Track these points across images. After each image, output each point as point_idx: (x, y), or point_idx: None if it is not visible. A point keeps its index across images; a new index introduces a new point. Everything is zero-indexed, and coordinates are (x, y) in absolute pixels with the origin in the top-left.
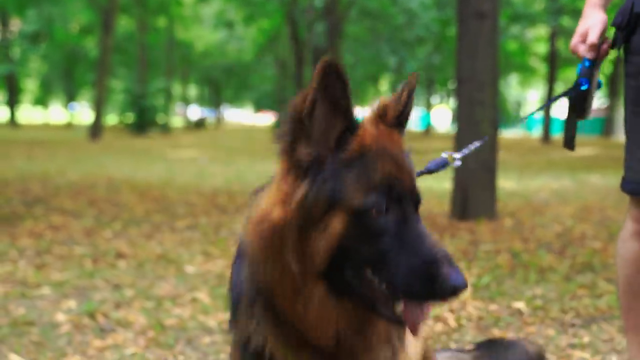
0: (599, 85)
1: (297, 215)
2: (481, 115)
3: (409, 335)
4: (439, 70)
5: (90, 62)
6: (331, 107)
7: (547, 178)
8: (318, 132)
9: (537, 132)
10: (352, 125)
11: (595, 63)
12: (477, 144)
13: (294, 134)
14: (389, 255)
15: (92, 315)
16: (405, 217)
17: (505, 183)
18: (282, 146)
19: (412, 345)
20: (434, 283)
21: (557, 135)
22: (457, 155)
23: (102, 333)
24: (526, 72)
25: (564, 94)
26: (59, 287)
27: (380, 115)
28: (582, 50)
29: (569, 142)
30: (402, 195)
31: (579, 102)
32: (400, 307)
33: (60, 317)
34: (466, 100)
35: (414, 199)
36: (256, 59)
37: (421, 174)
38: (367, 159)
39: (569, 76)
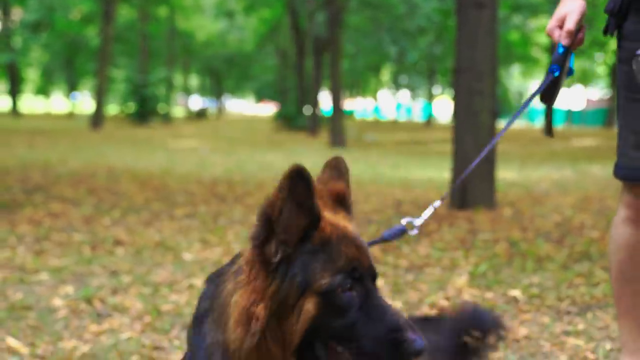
0: (570, 72)
1: (274, 307)
2: (480, 105)
3: None
4: (440, 60)
5: (91, 52)
6: (297, 207)
7: (548, 169)
8: (284, 231)
9: (539, 123)
10: (315, 220)
11: (569, 50)
12: (437, 204)
13: (264, 235)
14: (357, 327)
15: (89, 301)
16: (367, 292)
17: (506, 174)
18: (254, 247)
19: None
20: (399, 348)
21: (559, 126)
22: (417, 223)
23: (98, 318)
24: (528, 62)
25: (543, 85)
26: (57, 273)
27: (340, 202)
28: (558, 35)
29: (549, 130)
30: (363, 274)
31: (548, 89)
32: None
33: (58, 302)
34: (465, 90)
35: (372, 275)
36: (257, 49)
37: (375, 242)
38: (331, 247)
39: None
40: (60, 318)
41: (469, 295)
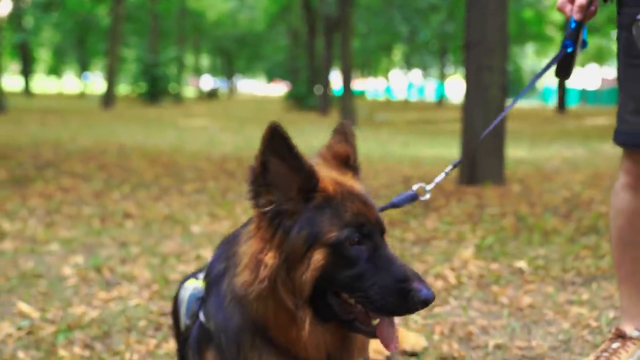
0: (584, 45)
1: (283, 257)
2: (490, 81)
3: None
4: (452, 38)
5: (102, 31)
6: (282, 162)
7: (559, 147)
8: (280, 188)
9: (553, 103)
10: (310, 179)
11: (581, 24)
12: (447, 170)
13: (255, 190)
14: (365, 277)
15: (98, 270)
16: (375, 245)
17: (517, 152)
18: (251, 200)
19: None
20: (406, 297)
21: (573, 106)
22: (428, 187)
23: (107, 286)
24: (542, 41)
25: (554, 61)
26: (67, 243)
27: (346, 163)
28: (569, 10)
29: (560, 104)
30: (371, 229)
31: (563, 64)
32: (374, 323)
33: (68, 270)
34: (475, 66)
35: (381, 229)
36: (268, 29)
37: (385, 208)
38: (336, 203)
39: None
40: (70, 286)
41: (475, 266)
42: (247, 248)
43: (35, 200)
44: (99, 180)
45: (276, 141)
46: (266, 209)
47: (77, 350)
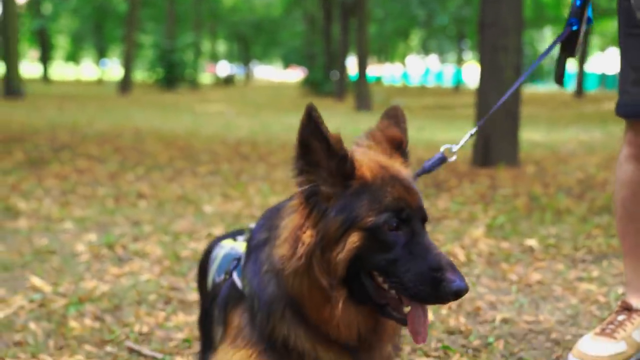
0: (589, 21)
1: (319, 237)
2: (504, 61)
3: None
4: (469, 23)
5: (119, 17)
6: (321, 147)
7: (576, 130)
8: (321, 169)
9: (572, 88)
10: (344, 164)
11: (586, 2)
12: (473, 131)
13: (298, 169)
14: (399, 264)
15: (111, 247)
16: (413, 232)
17: (533, 135)
18: (295, 180)
19: None
20: (438, 287)
21: (592, 90)
22: (455, 148)
23: (119, 262)
24: (560, 24)
25: (559, 39)
26: (81, 222)
27: (397, 147)
28: None
29: (559, 79)
30: (411, 215)
31: (569, 42)
32: (406, 311)
33: (81, 247)
34: (489, 46)
35: (422, 216)
36: (284, 14)
37: (419, 174)
38: (375, 188)
39: (604, 29)
40: (82, 262)
41: (485, 245)
42: (289, 222)
43: (50, 181)
44: (114, 162)
45: (312, 123)
46: (303, 187)
47: (87, 322)
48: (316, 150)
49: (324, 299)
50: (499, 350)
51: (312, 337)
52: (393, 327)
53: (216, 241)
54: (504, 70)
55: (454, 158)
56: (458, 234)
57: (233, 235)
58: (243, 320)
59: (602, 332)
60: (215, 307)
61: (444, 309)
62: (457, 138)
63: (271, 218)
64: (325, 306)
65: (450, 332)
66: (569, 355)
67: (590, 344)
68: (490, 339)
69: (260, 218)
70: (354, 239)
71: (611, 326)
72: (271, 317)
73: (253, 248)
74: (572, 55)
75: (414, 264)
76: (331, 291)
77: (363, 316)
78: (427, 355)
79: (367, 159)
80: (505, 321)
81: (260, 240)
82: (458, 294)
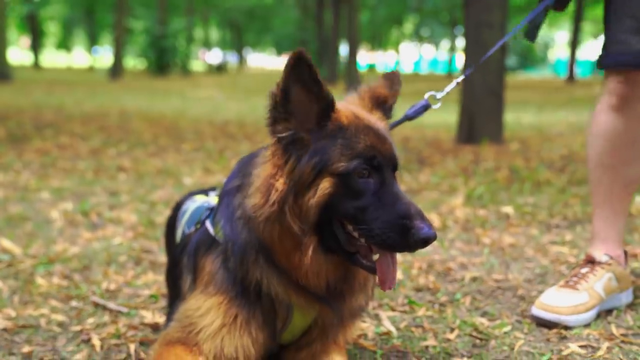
0: None
1: (292, 183)
2: (489, 38)
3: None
4: (462, 8)
5: (110, 3)
6: (305, 92)
7: (566, 113)
8: (298, 115)
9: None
10: (327, 106)
11: None
12: (459, 80)
13: (274, 116)
14: (369, 211)
15: (85, 214)
16: (384, 180)
17: (522, 117)
18: (268, 126)
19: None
20: (407, 234)
21: (586, 77)
22: (439, 95)
23: (93, 228)
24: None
25: (540, 8)
26: (58, 192)
27: (363, 98)
28: None
29: (532, 32)
30: (382, 163)
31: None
32: (374, 259)
33: (55, 214)
34: (473, 23)
35: (393, 165)
36: (277, 1)
37: (399, 122)
38: (349, 134)
39: (597, 14)
40: (56, 228)
41: (462, 212)
42: (261, 171)
43: (30, 155)
44: (97, 139)
45: (301, 68)
46: (282, 135)
47: (55, 280)
48: (299, 96)
49: (294, 246)
50: (465, 306)
51: (284, 283)
52: (364, 277)
53: (187, 196)
54: (488, 45)
55: (437, 105)
56: (436, 204)
57: (205, 191)
58: (215, 265)
59: (566, 285)
60: (184, 256)
61: (414, 269)
62: (444, 119)
63: (245, 165)
64: (295, 253)
65: (419, 290)
66: (532, 308)
67: (553, 295)
68: (458, 296)
69: (235, 166)
70: (325, 185)
71: (574, 278)
72: (245, 261)
73: (225, 194)
74: (561, 9)
75: (383, 212)
76: (302, 237)
77: (333, 265)
78: (394, 310)
79: (345, 108)
80: (474, 279)
81: (233, 187)
82: (426, 241)
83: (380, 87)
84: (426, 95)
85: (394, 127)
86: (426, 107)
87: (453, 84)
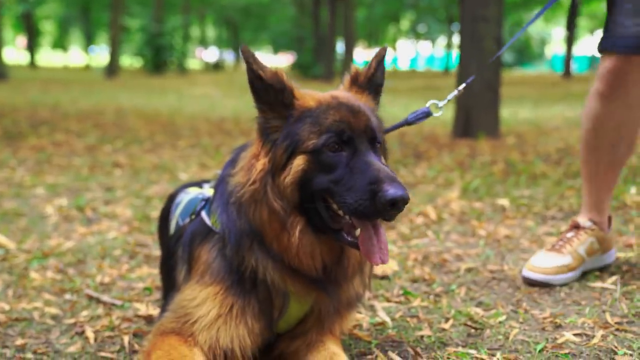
0: None
1: (270, 164)
2: (484, 32)
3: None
4: (459, 5)
5: (106, 1)
6: (259, 80)
7: (563, 108)
8: (270, 105)
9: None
10: (286, 94)
11: None
12: (460, 88)
13: (257, 108)
14: (342, 183)
15: (80, 209)
16: (356, 151)
17: (519, 112)
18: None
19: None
20: (374, 199)
21: (582, 72)
22: (441, 104)
23: (88, 223)
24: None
25: (546, 7)
26: (53, 188)
27: (353, 80)
28: None
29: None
30: (353, 135)
31: None
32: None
33: (50, 210)
34: (469, 16)
35: (370, 136)
36: None
37: (399, 125)
38: (316, 113)
39: (594, 9)
40: (50, 223)
41: (457, 205)
42: (247, 153)
43: (26, 152)
44: (93, 136)
45: (247, 64)
46: (258, 122)
47: (49, 274)
48: (260, 88)
49: (282, 227)
50: (460, 296)
51: (280, 268)
52: (358, 261)
53: (181, 188)
54: (484, 40)
55: (439, 113)
56: (432, 197)
57: (199, 183)
58: (211, 254)
59: (552, 248)
60: (178, 247)
61: (409, 260)
62: (442, 116)
63: (239, 154)
64: (283, 234)
65: (414, 281)
66: (522, 270)
67: (540, 258)
68: (453, 286)
69: (231, 154)
70: (298, 162)
71: (560, 242)
72: (240, 248)
73: (220, 181)
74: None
75: (355, 181)
76: (286, 217)
77: (326, 246)
78: (389, 301)
79: (309, 92)
80: (469, 270)
81: (226, 174)
82: (393, 202)
83: (360, 68)
84: (428, 103)
85: (393, 129)
86: (427, 114)
87: (455, 93)
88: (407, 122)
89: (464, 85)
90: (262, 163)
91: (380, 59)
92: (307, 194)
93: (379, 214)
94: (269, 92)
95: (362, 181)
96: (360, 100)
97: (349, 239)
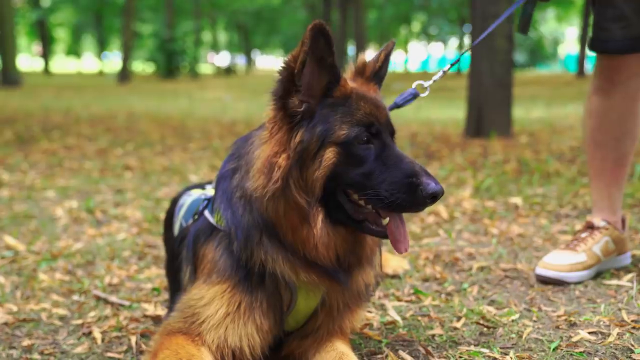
0: None
1: (296, 157)
2: (495, 30)
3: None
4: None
5: (119, 7)
6: (318, 63)
7: (576, 107)
8: (307, 86)
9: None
10: (336, 77)
11: None
12: (445, 69)
13: (287, 89)
14: (374, 176)
15: (90, 211)
16: (384, 145)
17: (532, 112)
18: (276, 101)
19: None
20: (414, 192)
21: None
22: (427, 84)
23: (98, 224)
24: (563, 5)
25: None
26: (64, 190)
27: (359, 71)
28: None
29: (524, 26)
30: (380, 129)
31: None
32: (384, 223)
33: (60, 212)
34: (480, 14)
35: (390, 130)
36: (284, 2)
37: (390, 109)
38: (350, 103)
39: None
40: (60, 225)
41: (469, 204)
42: (261, 152)
43: (37, 156)
44: (105, 140)
45: (321, 39)
46: (299, 109)
47: (58, 275)
48: (312, 66)
49: (301, 219)
50: (472, 295)
51: (291, 260)
52: (371, 249)
53: (184, 190)
54: (495, 38)
55: (426, 93)
56: (444, 196)
57: (201, 185)
58: (217, 252)
59: (567, 247)
60: (183, 248)
61: (420, 259)
62: (453, 115)
63: (239, 148)
64: (303, 226)
65: (425, 280)
66: (536, 268)
67: (554, 256)
68: (465, 285)
69: (230, 149)
70: (329, 155)
71: (575, 242)
72: (249, 242)
73: (221, 178)
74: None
75: (389, 174)
76: (309, 210)
77: (342, 237)
78: (399, 300)
79: (348, 77)
80: (481, 269)
81: (228, 169)
82: (435, 196)
83: (372, 60)
84: (414, 84)
85: None
86: (414, 95)
87: (440, 73)
88: (396, 105)
89: (448, 66)
90: (284, 158)
91: (388, 52)
92: (332, 187)
93: (418, 206)
94: (319, 73)
95: (398, 174)
96: (372, 91)
97: (376, 228)
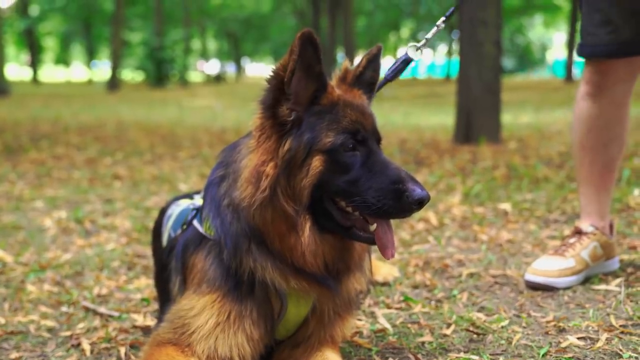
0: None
1: (284, 165)
2: (484, 36)
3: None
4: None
5: (107, 16)
6: (306, 72)
7: (565, 112)
8: (295, 94)
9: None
10: (323, 85)
11: None
12: (439, 23)
13: (276, 98)
14: (360, 182)
15: (79, 221)
16: (370, 151)
17: (520, 117)
18: (264, 110)
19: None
20: (400, 198)
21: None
22: (419, 45)
23: (86, 235)
24: (550, 11)
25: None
26: (52, 201)
27: (342, 78)
28: None
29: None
30: (366, 136)
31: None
32: (372, 229)
33: (49, 222)
34: (468, 20)
35: (376, 137)
36: (274, 10)
37: (381, 85)
38: (336, 110)
39: None
40: (49, 236)
41: (459, 210)
42: (248, 161)
43: (26, 166)
44: (93, 149)
45: (308, 49)
46: (288, 118)
47: (46, 286)
48: (300, 75)
49: (289, 228)
50: (462, 301)
51: (280, 268)
52: (359, 255)
53: (172, 201)
54: (483, 44)
55: (419, 56)
56: (433, 203)
57: (189, 195)
58: (207, 262)
59: (555, 252)
60: (172, 259)
61: (410, 266)
62: (442, 122)
63: (227, 156)
64: (290, 234)
65: (415, 287)
66: (525, 274)
67: (543, 262)
68: (455, 292)
69: (217, 157)
70: (316, 164)
71: (563, 247)
72: (238, 251)
73: (209, 185)
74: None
75: (375, 181)
76: (297, 218)
77: (329, 244)
78: (389, 307)
79: (333, 86)
80: (471, 275)
81: (216, 177)
82: (421, 202)
83: (349, 66)
84: (407, 47)
85: (378, 89)
86: (406, 62)
87: (434, 30)
88: (387, 80)
89: (444, 18)
90: (272, 167)
91: (371, 57)
92: (319, 195)
93: (404, 212)
94: (306, 81)
95: (384, 181)
96: (358, 98)
97: (363, 234)
